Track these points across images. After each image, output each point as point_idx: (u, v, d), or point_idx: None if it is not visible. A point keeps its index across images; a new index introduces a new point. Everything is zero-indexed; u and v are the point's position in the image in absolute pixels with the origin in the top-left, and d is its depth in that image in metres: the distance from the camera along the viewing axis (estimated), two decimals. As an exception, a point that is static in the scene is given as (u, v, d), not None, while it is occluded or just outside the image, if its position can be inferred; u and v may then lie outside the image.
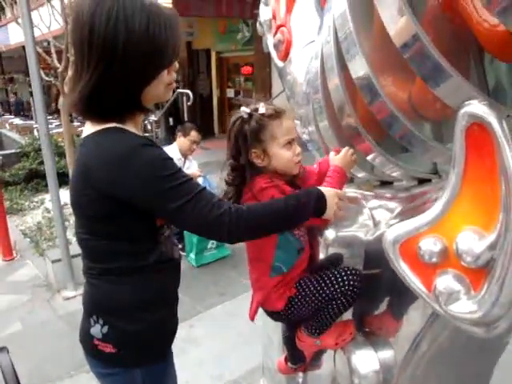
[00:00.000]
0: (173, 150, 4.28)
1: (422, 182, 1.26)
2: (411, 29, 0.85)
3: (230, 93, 11.89)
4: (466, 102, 0.82)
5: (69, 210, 5.80)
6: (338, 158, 1.34)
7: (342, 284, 1.30)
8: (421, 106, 1.13)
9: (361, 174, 1.41)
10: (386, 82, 1.12)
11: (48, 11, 6.12)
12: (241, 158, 1.30)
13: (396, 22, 0.89)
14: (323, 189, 1.24)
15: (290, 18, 1.93)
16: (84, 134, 1.18)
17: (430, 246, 0.88)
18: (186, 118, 8.93)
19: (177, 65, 1.19)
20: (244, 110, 1.29)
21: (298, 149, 1.33)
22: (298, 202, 1.18)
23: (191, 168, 4.49)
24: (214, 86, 12.20)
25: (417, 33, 0.84)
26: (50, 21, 6.20)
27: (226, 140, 1.35)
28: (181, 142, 4.32)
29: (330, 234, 1.34)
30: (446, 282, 0.88)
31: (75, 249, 3.81)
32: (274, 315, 1.46)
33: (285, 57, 1.93)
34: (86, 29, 1.05)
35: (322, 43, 1.32)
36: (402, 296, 1.29)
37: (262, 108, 1.29)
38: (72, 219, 5.47)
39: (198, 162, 4.82)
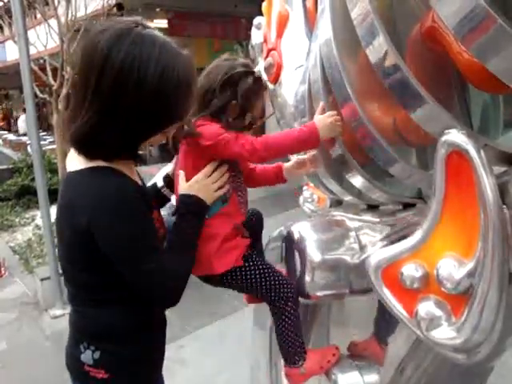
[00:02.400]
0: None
1: (407, 206, 1.28)
2: (392, 59, 0.88)
3: (224, 111, 11.96)
4: (446, 131, 0.83)
5: (59, 227, 5.74)
6: (317, 116, 1.26)
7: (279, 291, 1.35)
8: (406, 132, 1.15)
9: (348, 198, 1.42)
10: (370, 108, 1.15)
11: (45, 30, 6.19)
12: (218, 100, 1.31)
13: (378, 52, 0.91)
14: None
15: (281, 42, 1.97)
16: (70, 166, 1.15)
17: (411, 271, 0.89)
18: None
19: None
20: (257, 71, 1.40)
21: None
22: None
23: None
24: (209, 104, 12.28)
25: (397, 63, 0.86)
26: (46, 39, 6.26)
27: (207, 73, 1.35)
28: None
29: (316, 256, 1.34)
30: (427, 307, 0.88)
31: (64, 267, 3.78)
32: (210, 280, 1.43)
33: (275, 80, 1.96)
34: (99, 64, 0.99)
35: (309, 68, 1.35)
36: (387, 320, 1.29)
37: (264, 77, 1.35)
38: (62, 236, 5.41)
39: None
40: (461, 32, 0.76)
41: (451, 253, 0.85)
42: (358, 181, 1.28)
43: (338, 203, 1.68)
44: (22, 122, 15.76)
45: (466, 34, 0.76)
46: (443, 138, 0.83)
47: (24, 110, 13.28)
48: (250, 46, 2.16)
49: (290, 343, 1.39)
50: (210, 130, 1.29)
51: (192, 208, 1.27)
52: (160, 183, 1.47)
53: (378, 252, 0.94)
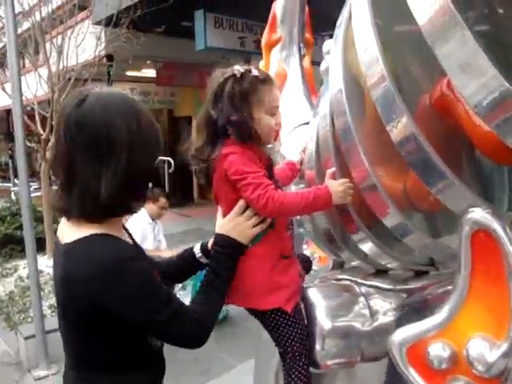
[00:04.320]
0: (142, 215, 4.25)
1: (418, 272, 1.25)
2: (411, 135, 0.88)
3: (211, 159, 12.04)
4: (470, 209, 0.82)
5: (44, 279, 5.56)
6: (330, 181, 1.23)
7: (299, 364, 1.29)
8: (415, 198, 1.14)
9: (354, 262, 1.40)
10: (380, 172, 1.14)
11: (35, 79, 6.24)
12: (221, 119, 1.23)
13: (397, 125, 0.91)
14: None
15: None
16: (64, 236, 1.10)
17: (439, 351, 0.85)
18: (167, 185, 8.93)
19: None
20: (238, 69, 1.25)
21: (280, 118, 1.31)
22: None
23: (159, 232, 4.49)
24: (195, 152, 12.37)
25: (423, 147, 0.86)
26: (36, 88, 6.31)
27: (207, 97, 1.29)
28: (150, 207, 4.33)
29: (326, 324, 1.29)
30: (457, 390, 0.84)
31: (50, 323, 3.61)
32: (255, 314, 1.35)
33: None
34: (103, 131, 1.02)
35: (318, 127, 1.35)
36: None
37: (255, 71, 1.26)
38: (47, 288, 5.26)
39: (178, 229, 4.76)
40: (483, 111, 0.77)
41: (481, 333, 0.82)
42: (366, 246, 1.26)
43: (340, 265, 1.65)
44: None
45: (488, 112, 0.77)
46: (468, 216, 0.82)
47: (10, 157, 13.28)
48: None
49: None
50: (238, 163, 1.21)
51: (224, 249, 1.22)
52: (197, 251, 1.40)
53: (401, 330, 0.90)
